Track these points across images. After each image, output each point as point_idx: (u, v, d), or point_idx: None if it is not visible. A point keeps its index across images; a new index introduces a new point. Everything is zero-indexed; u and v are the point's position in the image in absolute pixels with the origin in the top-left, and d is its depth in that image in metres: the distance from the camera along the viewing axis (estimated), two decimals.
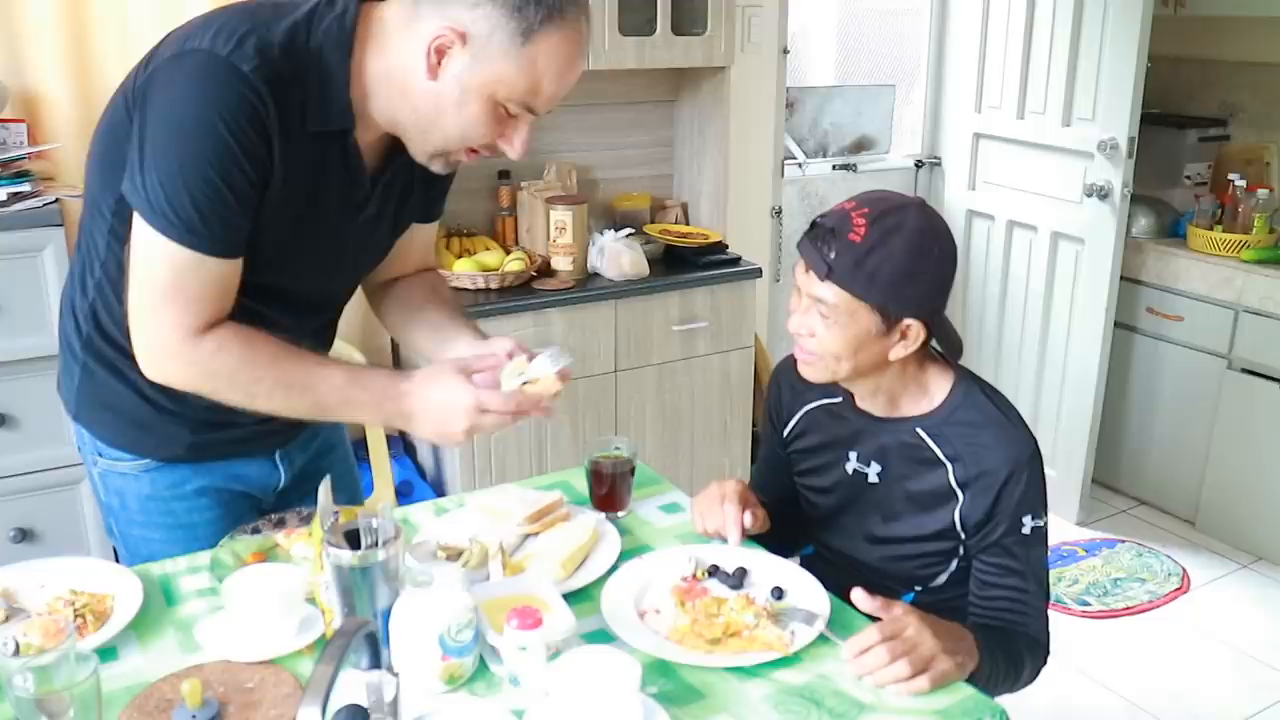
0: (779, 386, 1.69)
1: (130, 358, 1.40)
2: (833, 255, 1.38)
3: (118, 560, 2.06)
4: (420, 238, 1.61)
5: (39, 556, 1.56)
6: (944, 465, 1.48)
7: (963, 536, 1.49)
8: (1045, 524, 1.47)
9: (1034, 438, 1.48)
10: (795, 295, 1.47)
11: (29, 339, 2.22)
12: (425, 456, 3.01)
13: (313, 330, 1.53)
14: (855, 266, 1.37)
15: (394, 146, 1.39)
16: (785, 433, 1.68)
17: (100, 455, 1.52)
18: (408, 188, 1.47)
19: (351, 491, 1.78)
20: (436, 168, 1.37)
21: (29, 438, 2.28)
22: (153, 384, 1.39)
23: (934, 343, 1.49)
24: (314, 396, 1.33)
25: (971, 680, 1.28)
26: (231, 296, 1.30)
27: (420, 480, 2.95)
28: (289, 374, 1.32)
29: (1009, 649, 1.42)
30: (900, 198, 1.44)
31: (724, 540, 1.51)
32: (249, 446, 1.55)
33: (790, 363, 1.60)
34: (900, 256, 1.37)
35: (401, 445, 3.05)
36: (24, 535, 2.32)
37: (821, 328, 1.42)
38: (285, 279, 1.39)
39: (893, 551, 1.56)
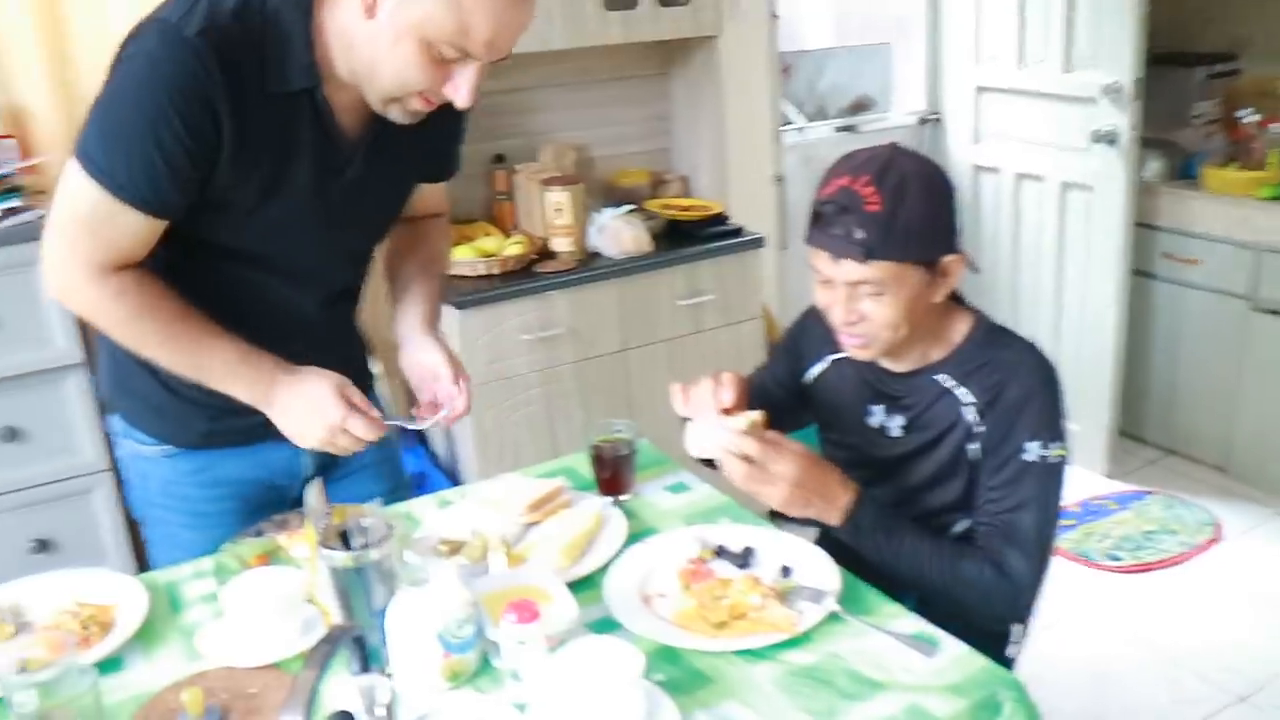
0: (809, 324, 1.66)
1: None
2: (862, 235, 1.35)
3: (138, 561, 2.07)
4: (431, 191, 1.64)
5: (59, 566, 1.63)
6: (966, 404, 1.47)
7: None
8: (1059, 458, 1.43)
9: (1053, 365, 1.47)
10: (825, 289, 1.44)
11: (30, 353, 2.22)
12: (439, 445, 3.00)
13: (319, 303, 1.52)
14: (888, 235, 1.35)
15: None
16: (805, 378, 1.67)
17: (126, 438, 1.57)
18: (403, 147, 1.45)
19: (395, 479, 1.74)
20: (394, 116, 1.34)
21: (39, 450, 2.28)
22: (174, 373, 1.42)
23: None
24: (198, 362, 1.38)
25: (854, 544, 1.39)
26: (145, 251, 1.34)
27: (435, 469, 2.93)
28: (179, 338, 1.36)
29: (939, 555, 1.39)
30: (872, 151, 1.41)
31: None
32: (269, 430, 1.51)
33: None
34: (917, 205, 1.37)
35: (415, 437, 3.03)
36: (43, 546, 2.33)
37: (873, 306, 1.41)
38: (271, 244, 1.41)
39: (909, 510, 1.53)
